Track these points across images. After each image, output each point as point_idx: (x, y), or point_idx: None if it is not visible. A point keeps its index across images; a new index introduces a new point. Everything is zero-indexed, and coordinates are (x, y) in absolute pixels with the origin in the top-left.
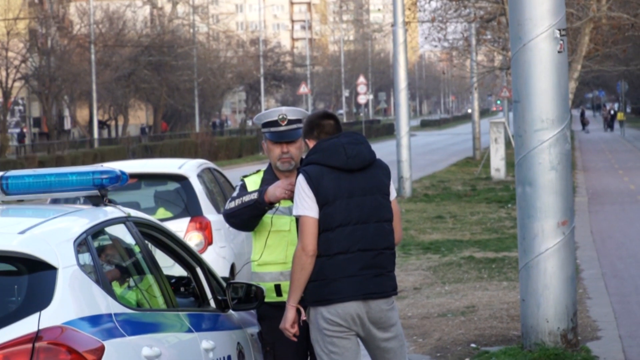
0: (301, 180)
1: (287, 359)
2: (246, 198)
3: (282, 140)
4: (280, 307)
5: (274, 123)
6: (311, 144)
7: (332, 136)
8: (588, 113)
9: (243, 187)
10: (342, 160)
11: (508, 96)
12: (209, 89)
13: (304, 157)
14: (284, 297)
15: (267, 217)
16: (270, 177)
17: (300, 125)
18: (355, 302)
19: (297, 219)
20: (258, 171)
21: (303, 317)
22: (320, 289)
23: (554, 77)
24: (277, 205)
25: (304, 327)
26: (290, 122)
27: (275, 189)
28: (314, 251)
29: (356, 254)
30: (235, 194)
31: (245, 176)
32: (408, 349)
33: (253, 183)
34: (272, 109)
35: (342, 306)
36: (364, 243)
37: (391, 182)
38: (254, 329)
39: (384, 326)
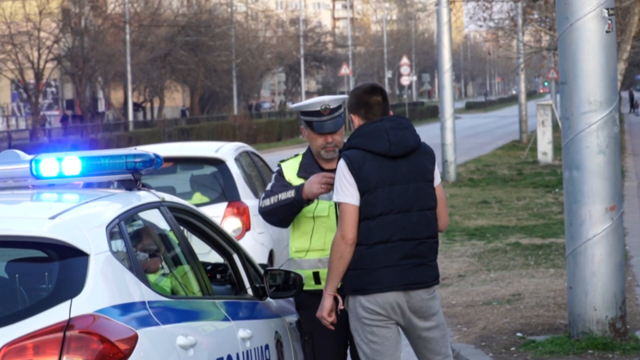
0: (342, 165)
1: (326, 349)
2: (283, 196)
3: (326, 132)
4: (319, 295)
5: (317, 113)
6: (356, 120)
7: (375, 120)
8: (637, 95)
9: (279, 175)
10: (385, 147)
11: (555, 77)
12: (247, 70)
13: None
14: (323, 285)
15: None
16: (309, 161)
17: (342, 111)
18: (395, 293)
19: (337, 206)
20: (296, 155)
21: (341, 306)
22: (360, 278)
23: (602, 57)
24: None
25: (344, 316)
26: (333, 110)
27: (311, 186)
28: (354, 240)
29: (397, 243)
30: (269, 186)
31: (283, 161)
32: (452, 337)
33: (291, 168)
34: (313, 100)
35: (381, 296)
36: (406, 232)
37: (436, 167)
38: (293, 318)
39: (424, 315)
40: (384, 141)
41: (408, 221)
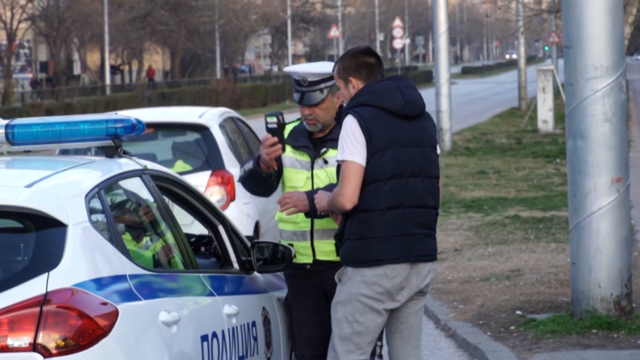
0: (351, 122)
1: (301, 322)
2: (246, 166)
3: (304, 104)
4: (297, 268)
5: (297, 82)
6: (356, 82)
7: (383, 78)
8: None
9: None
10: (399, 105)
11: (557, 42)
12: (231, 31)
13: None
14: (299, 259)
15: (289, 170)
16: (300, 127)
17: (326, 83)
18: (405, 265)
19: (339, 166)
20: (298, 120)
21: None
22: (367, 248)
23: (608, 20)
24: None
25: (323, 292)
26: (311, 83)
27: (261, 153)
28: (353, 204)
29: (408, 209)
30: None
31: (286, 123)
32: (448, 315)
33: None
34: (295, 66)
35: (391, 268)
36: (416, 199)
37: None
38: (282, 293)
39: (424, 292)
40: (397, 99)
41: (416, 187)
